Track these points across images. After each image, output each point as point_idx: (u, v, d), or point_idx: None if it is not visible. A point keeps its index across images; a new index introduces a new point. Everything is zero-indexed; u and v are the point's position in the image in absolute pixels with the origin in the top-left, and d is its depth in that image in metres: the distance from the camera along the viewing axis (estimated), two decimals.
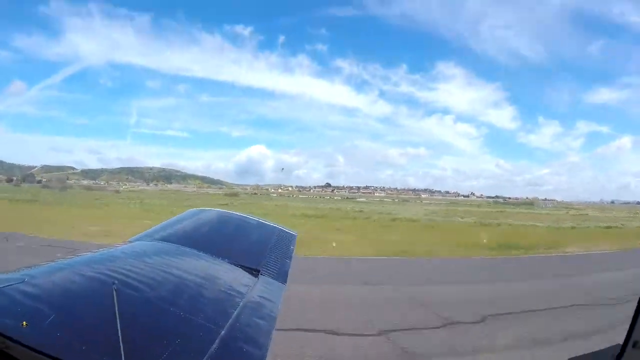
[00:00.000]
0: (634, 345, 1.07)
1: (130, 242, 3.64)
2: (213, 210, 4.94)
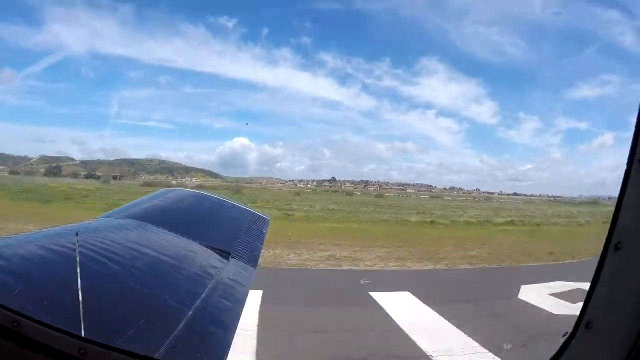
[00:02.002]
0: (586, 326, 1.12)
1: (100, 218, 3.53)
2: (186, 190, 4.85)
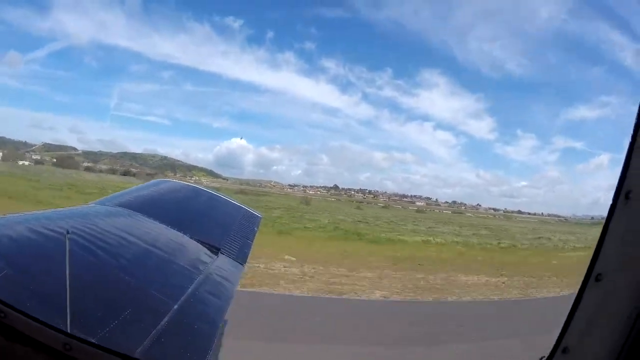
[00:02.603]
0: (563, 351, 1.15)
1: (91, 204, 3.51)
2: (179, 182, 4.83)
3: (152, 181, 4.58)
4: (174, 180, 4.81)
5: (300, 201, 54.97)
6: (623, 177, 1.17)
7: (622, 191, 1.16)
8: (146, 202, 3.75)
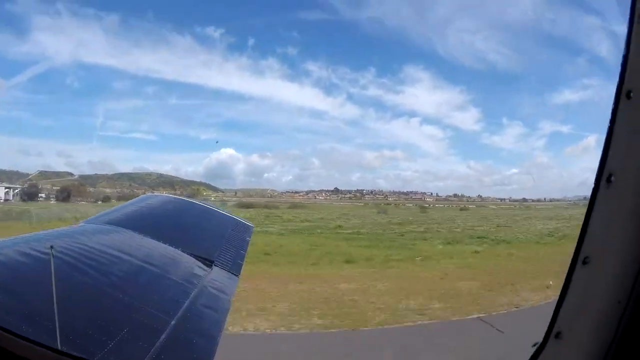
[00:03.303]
0: (556, 336, 1.17)
1: (81, 224, 3.46)
2: (168, 196, 4.79)
3: (141, 196, 4.53)
4: (162, 194, 4.77)
5: (378, 211, 51.84)
6: (603, 161, 1.18)
7: (603, 175, 1.18)
8: (135, 218, 3.71)
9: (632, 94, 1.14)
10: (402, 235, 32.21)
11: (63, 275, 2.12)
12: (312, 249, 25.01)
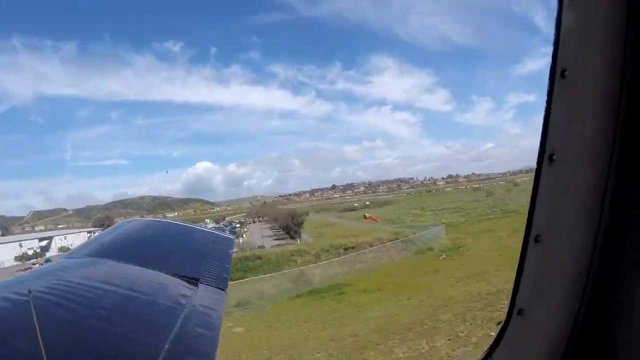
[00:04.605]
0: (518, 313, 1.27)
1: (61, 260, 3.41)
2: (143, 220, 4.73)
3: (116, 224, 4.46)
4: (137, 219, 4.72)
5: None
6: (544, 141, 1.21)
7: (545, 154, 1.20)
8: (115, 247, 3.67)
9: (566, 73, 1.16)
10: None
11: (46, 317, 2.11)
12: None
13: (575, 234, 1.26)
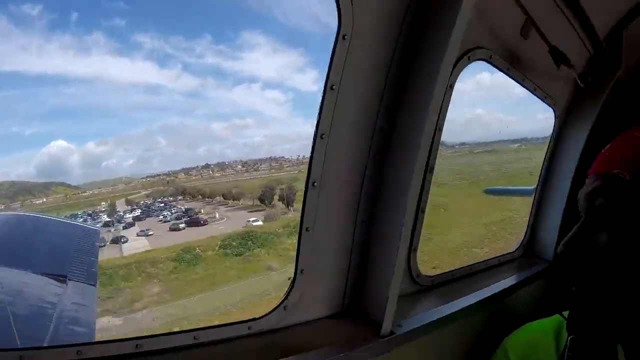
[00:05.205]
0: (301, 272, 1.38)
1: None
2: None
3: None
4: None
5: None
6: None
7: (318, 132, 1.25)
8: None
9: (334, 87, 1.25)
10: None
11: None
12: None
13: (347, 183, 1.38)
